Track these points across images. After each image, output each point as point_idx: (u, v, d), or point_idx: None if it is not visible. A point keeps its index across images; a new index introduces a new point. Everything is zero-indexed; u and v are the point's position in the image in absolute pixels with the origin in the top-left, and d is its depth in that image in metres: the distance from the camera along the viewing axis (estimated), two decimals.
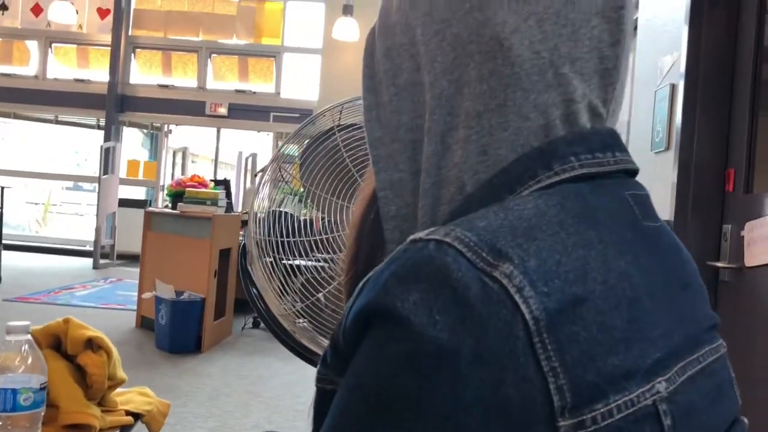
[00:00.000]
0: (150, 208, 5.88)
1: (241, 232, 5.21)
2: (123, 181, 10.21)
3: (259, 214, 1.50)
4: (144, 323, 5.49)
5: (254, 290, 1.44)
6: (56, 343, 1.34)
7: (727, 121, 2.59)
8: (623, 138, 3.10)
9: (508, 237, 0.42)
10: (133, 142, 11.32)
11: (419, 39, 0.51)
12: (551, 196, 0.46)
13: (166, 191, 6.14)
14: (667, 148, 2.81)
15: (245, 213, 1.52)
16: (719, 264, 2.50)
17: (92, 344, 1.27)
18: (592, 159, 0.49)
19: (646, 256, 0.47)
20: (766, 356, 2.22)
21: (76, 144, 11.50)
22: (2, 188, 7.03)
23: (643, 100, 3.23)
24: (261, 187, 1.58)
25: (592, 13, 0.49)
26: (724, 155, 2.59)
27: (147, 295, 4.99)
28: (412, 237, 0.43)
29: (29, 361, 1.08)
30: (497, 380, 0.38)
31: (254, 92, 10.62)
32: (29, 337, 1.10)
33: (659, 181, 2.87)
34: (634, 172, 0.53)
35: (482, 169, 0.48)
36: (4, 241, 8.85)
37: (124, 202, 9.88)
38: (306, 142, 1.54)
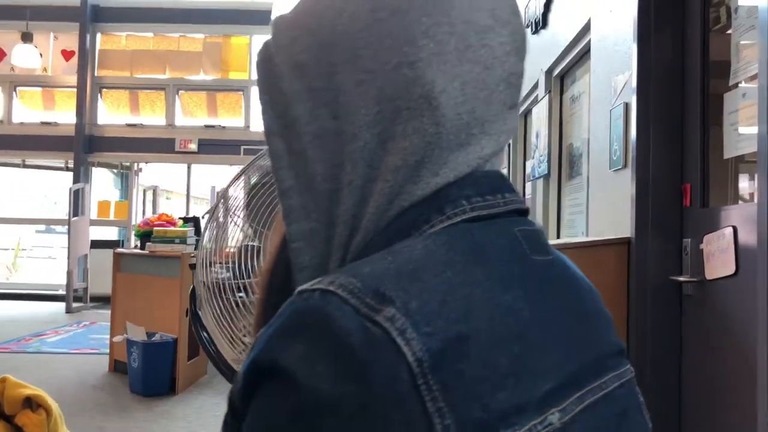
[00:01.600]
0: (119, 249, 5.80)
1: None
2: (94, 222, 10.09)
3: (204, 255, 1.48)
4: (117, 367, 5.38)
5: (204, 334, 1.42)
6: None
7: (680, 137, 2.63)
8: (583, 156, 3.13)
9: (392, 280, 0.42)
10: (103, 183, 11.22)
11: (339, 86, 0.50)
12: (439, 236, 0.46)
13: (134, 231, 6.07)
14: (625, 166, 2.83)
15: (193, 256, 1.49)
16: (681, 278, 2.52)
17: (31, 403, 1.23)
18: (482, 201, 0.49)
19: (536, 290, 0.48)
20: (731, 367, 2.22)
21: (45, 187, 11.38)
22: None
23: (599, 119, 3.26)
24: (206, 229, 1.56)
25: (502, 78, 0.51)
26: (680, 170, 2.62)
27: (118, 338, 4.91)
28: (299, 288, 0.43)
29: None
30: (384, 425, 0.38)
31: (224, 127, 10.61)
32: None
33: (619, 198, 2.89)
34: (525, 211, 0.53)
35: (384, 218, 0.48)
36: None
37: (96, 244, 9.75)
38: (253, 180, 1.53)
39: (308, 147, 0.51)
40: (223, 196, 1.58)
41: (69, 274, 9.26)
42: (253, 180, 1.54)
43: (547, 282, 0.50)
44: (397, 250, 0.45)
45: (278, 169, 0.53)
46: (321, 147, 0.51)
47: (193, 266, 1.46)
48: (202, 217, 4.19)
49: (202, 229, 1.56)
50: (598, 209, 3.32)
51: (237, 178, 1.56)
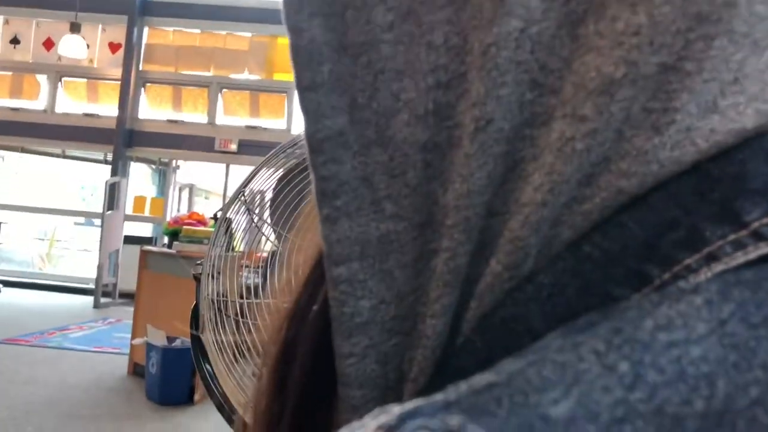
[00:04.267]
0: (147, 247, 5.58)
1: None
2: (129, 218, 9.95)
3: (211, 265, 1.17)
4: (136, 370, 5.14)
5: (207, 367, 1.11)
6: None
7: None
8: None
9: None
10: (141, 178, 11.10)
11: None
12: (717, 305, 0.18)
13: (163, 229, 5.86)
14: None
15: (199, 264, 1.22)
16: None
17: None
18: None
19: None
20: None
21: (83, 179, 11.31)
22: None
23: None
24: (218, 232, 1.25)
25: None
26: None
27: (138, 341, 4.67)
28: (385, 420, 0.17)
29: None
30: None
31: (265, 128, 10.40)
32: None
33: None
34: None
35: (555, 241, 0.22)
36: (4, 278, 8.62)
37: (129, 239, 9.60)
38: (277, 177, 1.23)
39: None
40: (240, 192, 1.28)
41: (99, 268, 9.13)
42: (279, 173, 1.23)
43: None
44: (635, 338, 0.17)
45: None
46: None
47: (198, 278, 1.13)
48: (212, 218, 3.86)
49: (212, 235, 1.26)
50: None
51: (257, 170, 1.26)
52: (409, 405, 0.17)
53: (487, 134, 0.22)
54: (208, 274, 1.18)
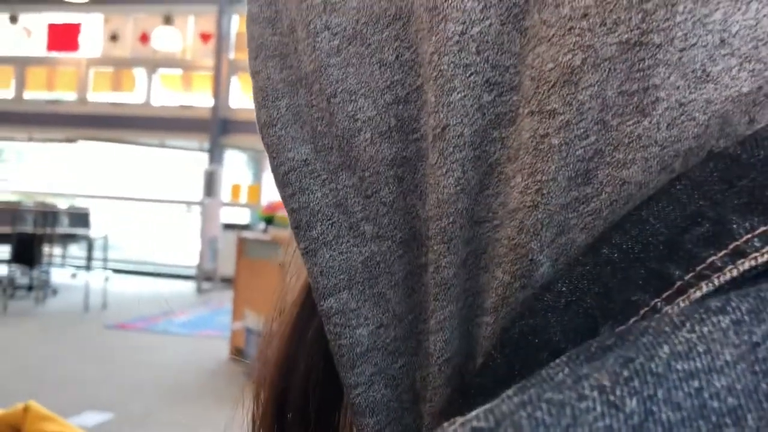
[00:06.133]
0: (243, 233, 5.68)
1: None
2: (226, 205, 10.21)
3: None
4: (238, 353, 5.25)
5: None
6: None
7: None
8: None
9: None
10: (237, 165, 11.37)
11: None
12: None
13: (258, 216, 5.96)
14: None
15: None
16: None
17: None
18: None
19: None
20: None
21: (180, 168, 11.69)
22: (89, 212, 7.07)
23: None
24: None
25: None
26: None
27: (237, 325, 4.77)
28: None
29: None
30: None
31: None
32: None
33: None
34: None
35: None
36: (113, 266, 9.03)
37: (228, 226, 9.86)
38: None
39: None
40: None
41: (200, 254, 9.42)
42: None
43: None
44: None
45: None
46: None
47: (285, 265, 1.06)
48: None
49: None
50: None
51: None
52: None
53: (445, 141, 0.21)
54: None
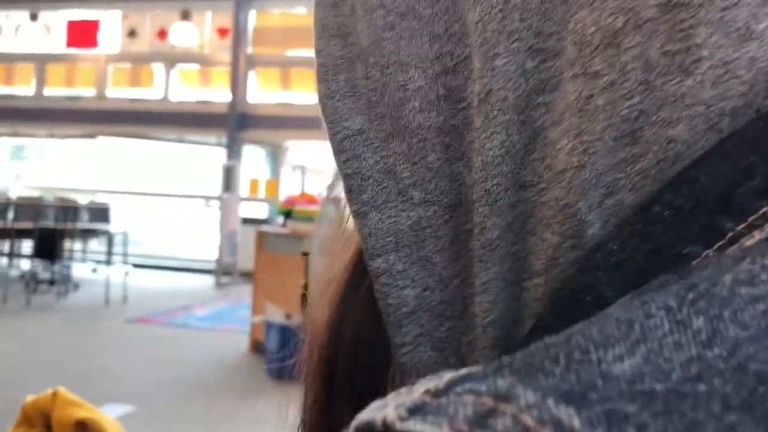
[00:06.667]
0: (262, 227, 5.69)
1: None
2: (245, 199, 10.24)
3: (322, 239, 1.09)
4: (257, 347, 5.27)
5: None
6: (48, 420, 0.97)
7: None
8: None
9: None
10: (254, 160, 11.40)
11: None
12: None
13: (276, 209, 5.97)
14: None
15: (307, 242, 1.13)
16: None
17: (85, 428, 0.89)
18: None
19: None
20: None
21: (198, 163, 11.74)
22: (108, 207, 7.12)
23: None
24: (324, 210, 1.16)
25: None
26: None
27: (257, 318, 4.79)
28: (433, 385, 0.15)
29: None
30: None
31: None
32: None
33: None
34: None
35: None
36: (133, 261, 9.10)
37: (246, 221, 9.89)
38: None
39: None
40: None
41: (219, 249, 9.46)
42: None
43: None
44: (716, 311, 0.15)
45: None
46: None
47: (307, 254, 1.04)
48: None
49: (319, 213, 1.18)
50: None
51: None
52: (463, 371, 0.15)
53: (490, 104, 0.22)
54: (319, 251, 1.10)
